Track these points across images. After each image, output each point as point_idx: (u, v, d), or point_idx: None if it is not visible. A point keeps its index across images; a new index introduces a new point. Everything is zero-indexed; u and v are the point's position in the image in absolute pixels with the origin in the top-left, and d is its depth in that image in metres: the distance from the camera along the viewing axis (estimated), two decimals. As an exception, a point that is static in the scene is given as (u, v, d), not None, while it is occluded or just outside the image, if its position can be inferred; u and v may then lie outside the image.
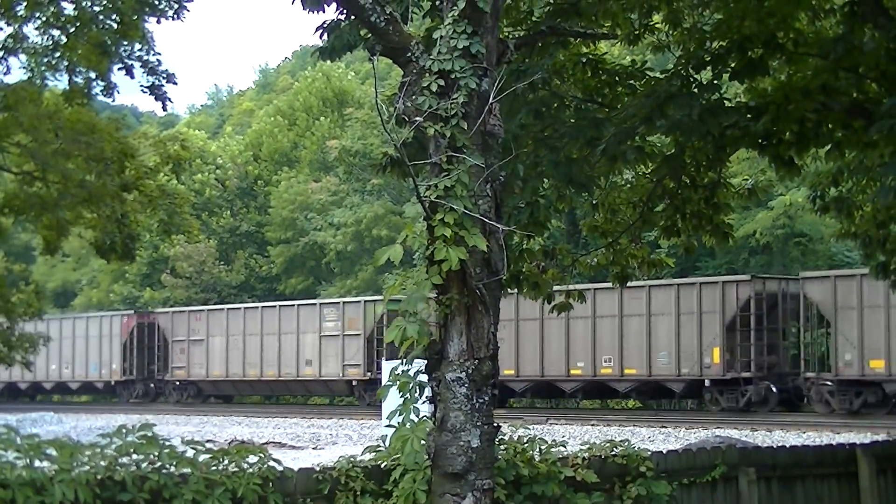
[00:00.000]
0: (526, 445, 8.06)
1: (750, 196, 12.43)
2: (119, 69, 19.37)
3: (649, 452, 8.73)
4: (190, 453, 6.92)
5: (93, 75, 19.52)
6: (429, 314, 7.19)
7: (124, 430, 6.72)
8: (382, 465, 7.58)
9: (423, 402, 7.34)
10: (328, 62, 15.95)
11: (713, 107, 10.27)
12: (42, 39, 19.21)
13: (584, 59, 11.44)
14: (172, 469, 6.76)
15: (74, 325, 51.00)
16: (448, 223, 6.97)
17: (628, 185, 12.34)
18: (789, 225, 40.50)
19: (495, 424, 7.37)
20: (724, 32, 10.55)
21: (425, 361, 7.31)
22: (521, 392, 37.45)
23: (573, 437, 26.26)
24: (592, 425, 30.72)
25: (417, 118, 7.21)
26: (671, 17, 11.18)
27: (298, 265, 61.02)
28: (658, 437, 27.34)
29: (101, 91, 19.78)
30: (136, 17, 18.57)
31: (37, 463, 6.34)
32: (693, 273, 40.86)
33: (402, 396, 7.32)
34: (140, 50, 19.28)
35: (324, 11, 9.40)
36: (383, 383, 7.69)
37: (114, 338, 49.25)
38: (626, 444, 8.67)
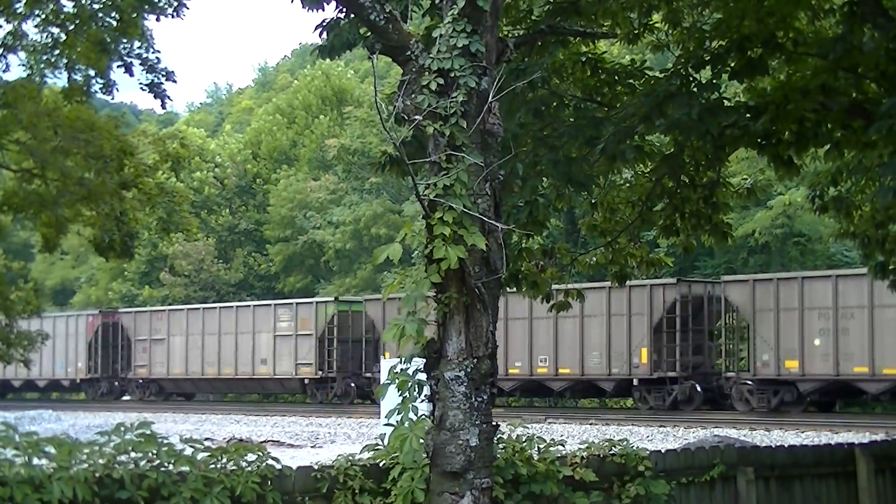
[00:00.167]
0: (524, 444, 8.05)
1: (749, 195, 12.44)
2: (118, 67, 19.39)
3: (648, 452, 8.72)
4: (188, 451, 6.91)
5: (92, 73, 19.54)
6: (427, 313, 7.19)
7: (123, 428, 6.71)
8: (381, 464, 7.58)
9: (422, 401, 7.34)
10: (327, 60, 15.96)
11: (712, 106, 10.27)
12: (41, 37, 19.25)
13: (584, 59, 11.43)
14: (171, 467, 6.75)
15: (42, 325, 51.26)
16: (447, 222, 6.96)
17: (627, 185, 12.34)
18: (788, 225, 40.52)
19: (494, 423, 7.37)
20: (724, 32, 10.55)
21: (424, 360, 7.31)
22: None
23: (572, 436, 26.24)
24: (591, 424, 30.72)
25: (417, 117, 7.21)
26: (670, 16, 11.18)
27: (297, 263, 61.03)
28: (657, 437, 27.32)
29: (101, 89, 19.80)
30: (135, 14, 18.58)
31: (35, 461, 6.33)
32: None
33: (400, 395, 7.31)
34: (139, 48, 19.30)
35: (323, 10, 9.43)
36: (381, 382, 7.68)
37: (80, 337, 50.11)
38: (625, 443, 8.66)
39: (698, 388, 33.75)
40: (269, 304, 45.75)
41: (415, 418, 7.30)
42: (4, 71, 20.35)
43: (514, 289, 11.64)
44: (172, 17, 18.78)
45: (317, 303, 43.92)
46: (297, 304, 44.50)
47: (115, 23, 18.64)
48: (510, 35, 9.92)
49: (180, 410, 42.25)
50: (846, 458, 10.38)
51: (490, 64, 7.40)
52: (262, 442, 25.29)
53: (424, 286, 7.05)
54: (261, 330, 44.15)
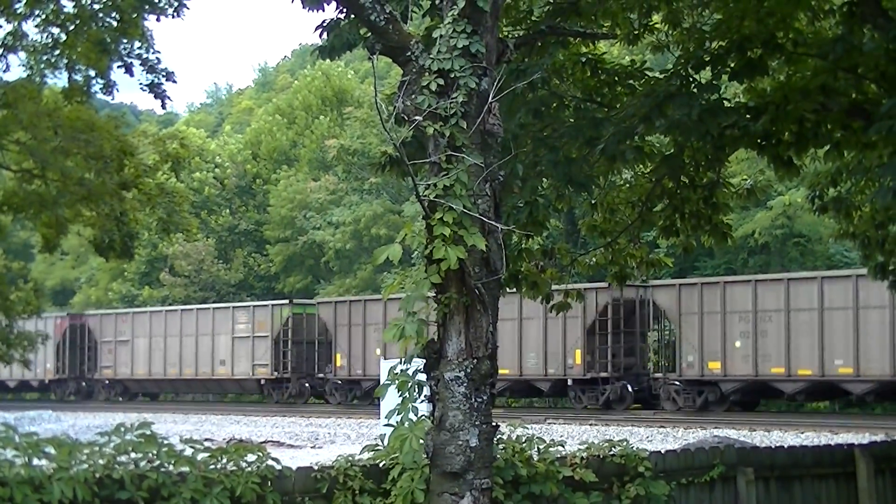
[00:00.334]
0: (524, 445, 8.05)
1: (749, 196, 12.43)
2: (118, 67, 19.40)
3: (648, 452, 8.73)
4: (188, 452, 6.92)
5: (92, 73, 19.54)
6: (427, 313, 7.19)
7: (123, 429, 6.71)
8: (381, 464, 7.58)
9: (422, 402, 7.34)
10: (328, 61, 15.97)
11: (712, 107, 10.26)
12: (41, 37, 19.25)
13: (584, 59, 11.42)
14: (171, 467, 6.75)
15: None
16: (447, 222, 6.97)
17: (627, 185, 12.33)
18: (788, 225, 40.52)
19: (494, 424, 7.37)
20: (724, 32, 10.54)
21: (424, 360, 7.31)
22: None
23: (571, 436, 26.23)
24: (591, 425, 30.71)
25: (417, 117, 7.21)
26: (670, 17, 11.17)
27: (297, 264, 61.01)
28: (656, 437, 27.33)
29: (101, 89, 19.81)
30: (135, 15, 18.58)
31: (35, 461, 6.34)
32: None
33: (400, 395, 7.31)
34: (140, 48, 19.30)
35: (323, 10, 9.41)
36: (381, 382, 7.68)
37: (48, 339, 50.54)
38: (625, 443, 8.66)
39: (629, 388, 35.14)
40: (228, 307, 47.27)
41: (415, 419, 7.31)
42: (4, 71, 20.39)
43: (514, 289, 11.64)
44: (172, 17, 18.79)
45: (272, 305, 45.39)
46: (254, 307, 46.16)
47: (115, 23, 18.63)
48: (510, 36, 9.92)
49: (180, 411, 42.29)
50: (846, 459, 10.38)
51: (490, 64, 7.40)
52: (261, 442, 25.30)
53: (424, 287, 7.06)
54: (220, 332, 45.51)
